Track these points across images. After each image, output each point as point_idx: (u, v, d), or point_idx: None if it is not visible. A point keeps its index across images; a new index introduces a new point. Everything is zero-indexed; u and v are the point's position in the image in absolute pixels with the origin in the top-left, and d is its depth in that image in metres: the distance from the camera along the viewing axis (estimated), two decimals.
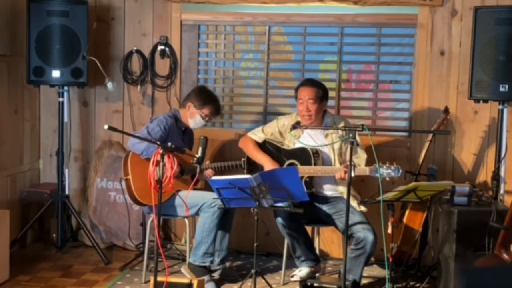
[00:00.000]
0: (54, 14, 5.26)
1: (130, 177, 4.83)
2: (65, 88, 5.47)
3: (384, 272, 4.64)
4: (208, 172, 4.92)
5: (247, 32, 5.72)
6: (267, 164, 4.81)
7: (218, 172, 4.97)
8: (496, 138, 4.96)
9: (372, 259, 4.93)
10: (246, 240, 5.10)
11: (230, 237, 4.98)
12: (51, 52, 5.28)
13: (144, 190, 4.72)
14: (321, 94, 4.80)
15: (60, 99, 5.48)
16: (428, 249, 5.01)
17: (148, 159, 4.72)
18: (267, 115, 5.62)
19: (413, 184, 4.34)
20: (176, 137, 4.92)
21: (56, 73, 5.30)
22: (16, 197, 5.60)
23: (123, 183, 4.90)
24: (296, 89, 4.88)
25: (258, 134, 4.99)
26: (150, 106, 5.69)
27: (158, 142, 4.12)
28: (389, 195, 4.31)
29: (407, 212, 4.91)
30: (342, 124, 4.77)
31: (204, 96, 5.03)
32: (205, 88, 5.25)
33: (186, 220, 4.96)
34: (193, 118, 5.03)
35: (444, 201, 4.63)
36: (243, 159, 5.01)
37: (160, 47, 5.56)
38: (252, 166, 4.98)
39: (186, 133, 5.14)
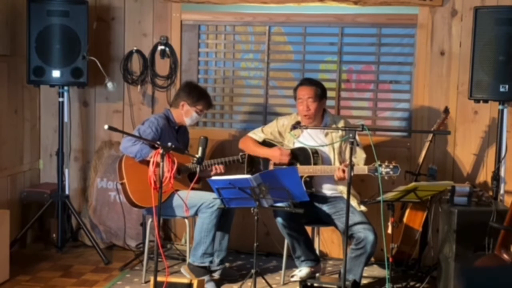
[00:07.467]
0: (54, 14, 5.26)
1: (125, 181, 4.82)
2: (65, 88, 5.47)
3: (384, 272, 4.64)
4: (219, 167, 4.88)
5: (247, 32, 5.72)
6: (274, 153, 4.81)
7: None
8: (496, 138, 4.96)
9: (372, 259, 4.93)
10: (246, 240, 5.10)
11: (229, 238, 4.97)
12: (51, 52, 5.28)
13: (141, 193, 4.71)
14: (320, 92, 4.82)
15: (60, 99, 5.48)
16: (428, 249, 5.00)
17: (143, 161, 4.74)
18: (267, 115, 5.62)
19: (413, 184, 4.34)
20: (170, 137, 4.88)
21: (56, 73, 5.30)
22: (16, 197, 5.60)
23: (119, 186, 4.90)
24: (295, 89, 4.89)
25: (258, 134, 5.00)
26: (150, 106, 5.69)
27: (159, 142, 4.11)
28: (389, 195, 4.31)
29: (407, 212, 4.91)
30: (341, 123, 4.79)
31: (196, 93, 5.01)
32: (192, 83, 5.20)
33: (186, 220, 4.96)
34: (189, 116, 5.01)
35: (444, 201, 4.64)
36: (241, 154, 5.00)
37: (160, 47, 5.56)
38: (253, 164, 4.98)
39: (179, 132, 5.13)
